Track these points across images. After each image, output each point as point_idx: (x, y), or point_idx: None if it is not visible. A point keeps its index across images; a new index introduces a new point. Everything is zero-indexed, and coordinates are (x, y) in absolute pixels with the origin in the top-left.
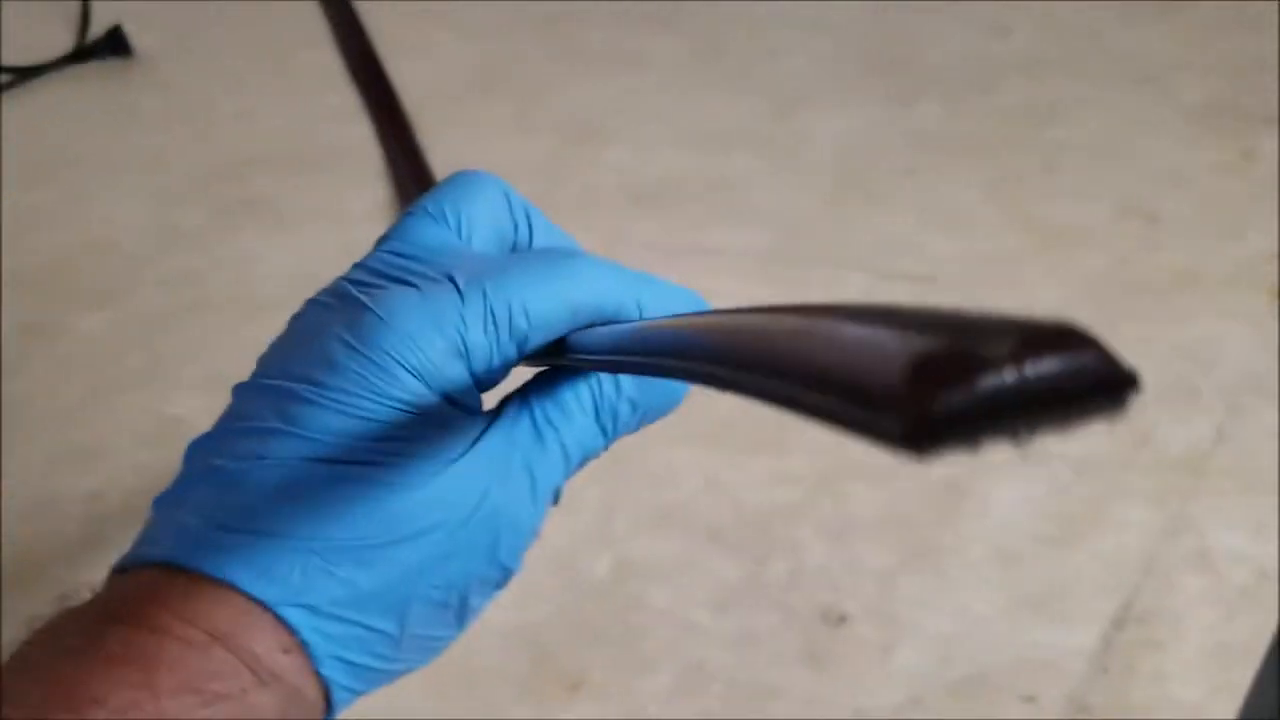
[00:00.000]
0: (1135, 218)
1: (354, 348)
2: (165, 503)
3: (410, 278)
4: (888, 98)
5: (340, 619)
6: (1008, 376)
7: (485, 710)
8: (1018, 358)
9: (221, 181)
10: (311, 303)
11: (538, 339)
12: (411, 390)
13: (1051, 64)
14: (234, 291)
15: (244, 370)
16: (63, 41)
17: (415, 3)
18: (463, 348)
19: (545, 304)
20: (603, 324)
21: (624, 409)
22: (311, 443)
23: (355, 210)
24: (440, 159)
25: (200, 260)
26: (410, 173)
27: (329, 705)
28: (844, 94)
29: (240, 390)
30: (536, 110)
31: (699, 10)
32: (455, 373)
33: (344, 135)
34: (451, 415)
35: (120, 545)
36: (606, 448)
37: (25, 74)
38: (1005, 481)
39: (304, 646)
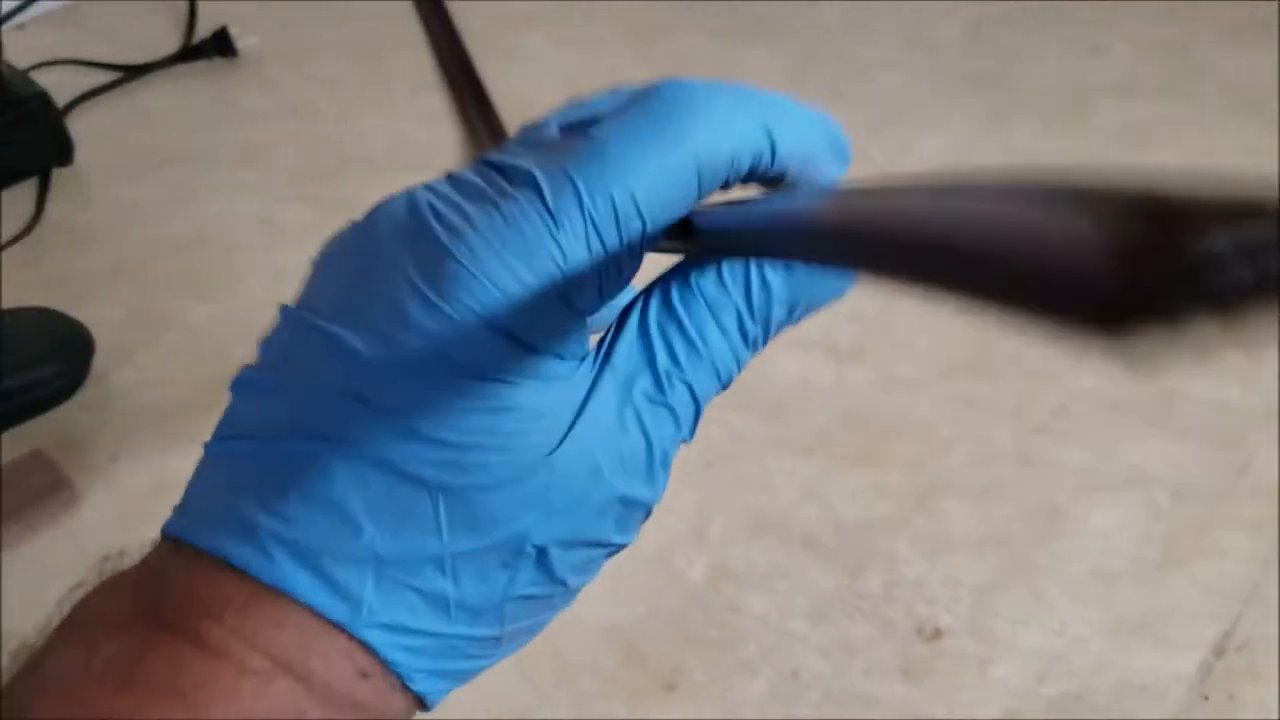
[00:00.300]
0: None
1: (431, 302)
2: (221, 451)
3: (494, 194)
4: (984, 115)
5: (429, 634)
6: (1221, 238)
7: (576, 705)
8: (1227, 219)
9: (322, 179)
10: (382, 212)
11: (658, 230)
12: (502, 353)
13: (1149, 85)
14: None
15: None
16: (170, 42)
17: (511, 4)
18: (563, 285)
19: (660, 183)
20: (735, 180)
21: (778, 311)
22: (381, 420)
23: None
24: None
25: (302, 256)
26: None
27: (423, 705)
28: (941, 111)
29: (290, 321)
30: None
31: (795, 25)
32: (554, 322)
33: (437, 136)
34: (553, 377)
35: None
36: (741, 369)
37: (134, 72)
38: (1103, 505)
39: (387, 665)
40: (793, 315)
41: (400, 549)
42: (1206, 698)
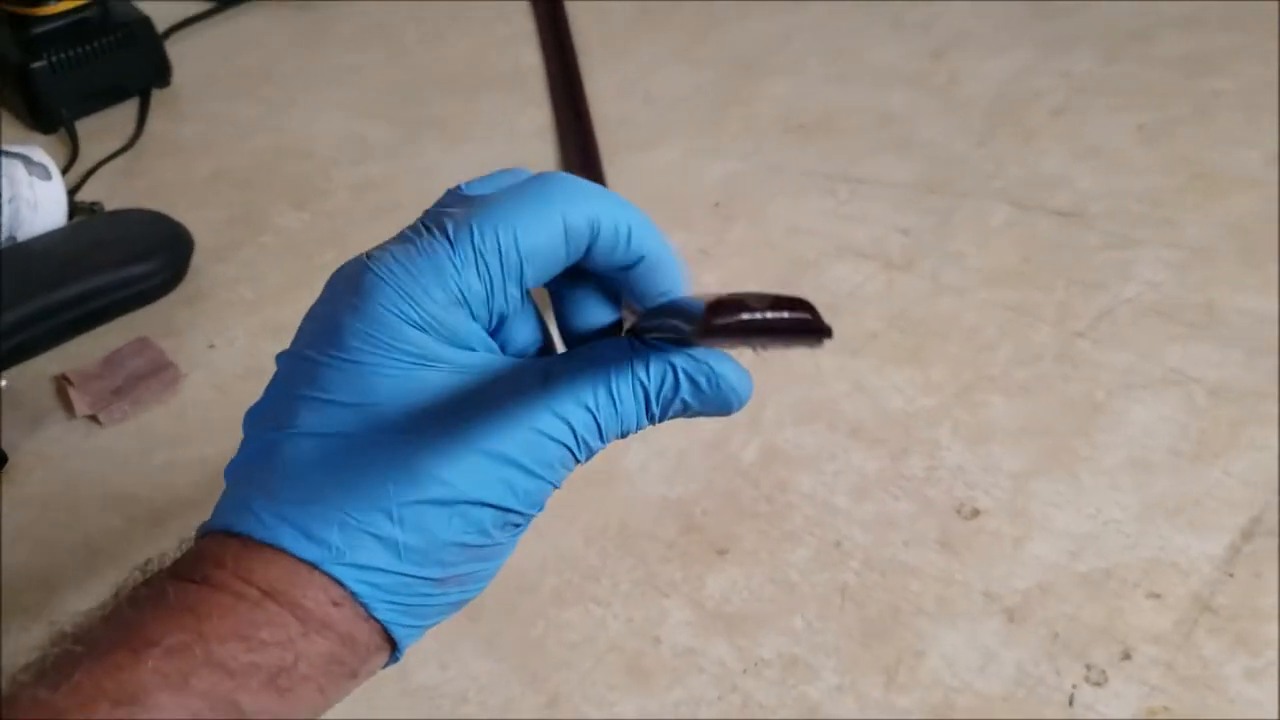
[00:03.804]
0: None
1: (357, 309)
2: (231, 471)
3: (410, 233)
4: (1045, 43)
5: (385, 571)
6: (757, 314)
7: (637, 565)
8: (764, 308)
9: (407, 100)
10: (338, 273)
11: (536, 268)
12: (417, 344)
13: (1212, 18)
14: (416, 198)
15: None
16: None
17: None
18: (460, 295)
19: (533, 228)
20: (598, 243)
21: (676, 405)
22: (339, 407)
23: (525, 128)
24: (609, 86)
25: (387, 169)
26: (569, 102)
27: (393, 641)
28: (1002, 38)
29: (281, 359)
30: (699, 46)
31: None
32: (457, 321)
33: (515, 60)
34: (466, 363)
35: None
36: (637, 430)
37: (227, 2)
38: (1142, 401)
39: (354, 597)
40: (686, 412)
41: (357, 503)
42: (1232, 575)
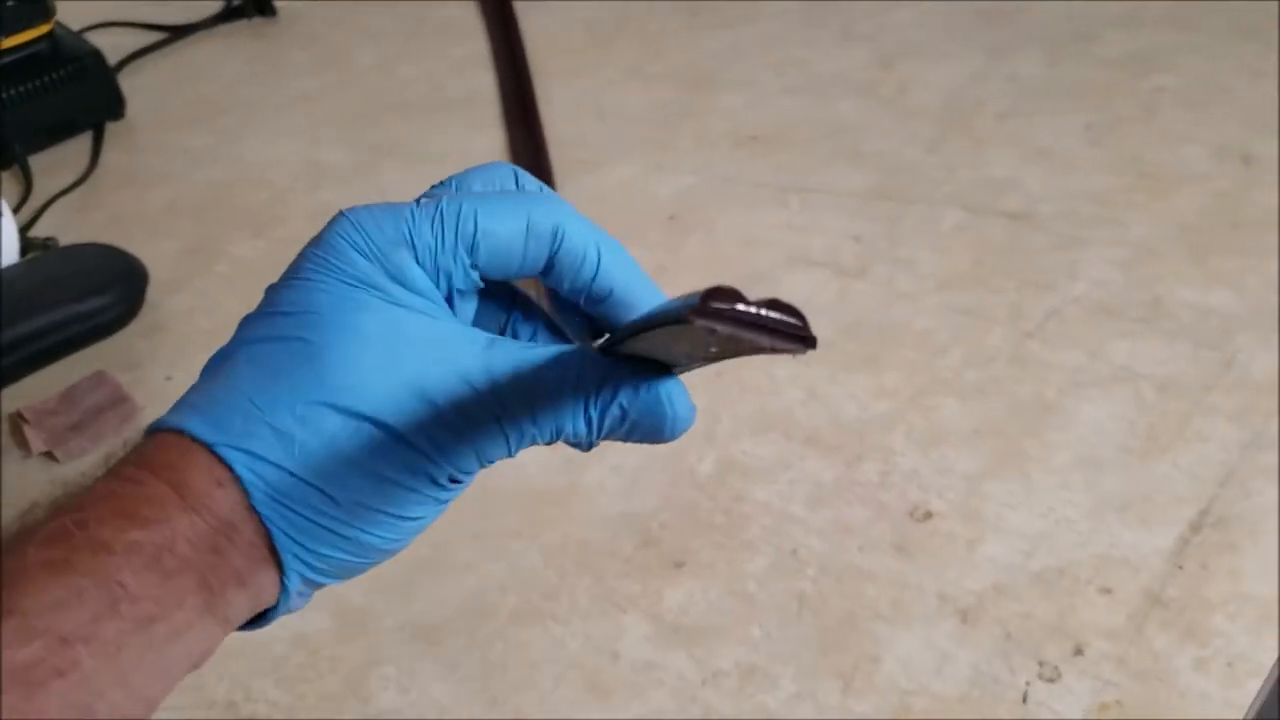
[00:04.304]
0: (1231, 159)
1: (317, 239)
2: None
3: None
4: (990, 48)
5: (275, 465)
6: (752, 307)
7: (596, 582)
8: (759, 305)
9: (361, 125)
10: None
11: (491, 250)
12: (361, 269)
13: (1153, 16)
14: None
15: None
16: (212, 4)
17: None
18: (409, 238)
19: (497, 215)
20: (561, 253)
21: (610, 423)
22: (282, 316)
23: (480, 150)
24: (563, 104)
25: (344, 194)
26: (522, 123)
27: (280, 566)
28: (948, 45)
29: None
30: (650, 62)
31: None
32: (403, 259)
33: (469, 84)
34: (405, 301)
35: None
36: (570, 439)
37: (179, 32)
38: (1092, 400)
39: (239, 482)
40: (616, 434)
41: (265, 396)
42: (1181, 567)
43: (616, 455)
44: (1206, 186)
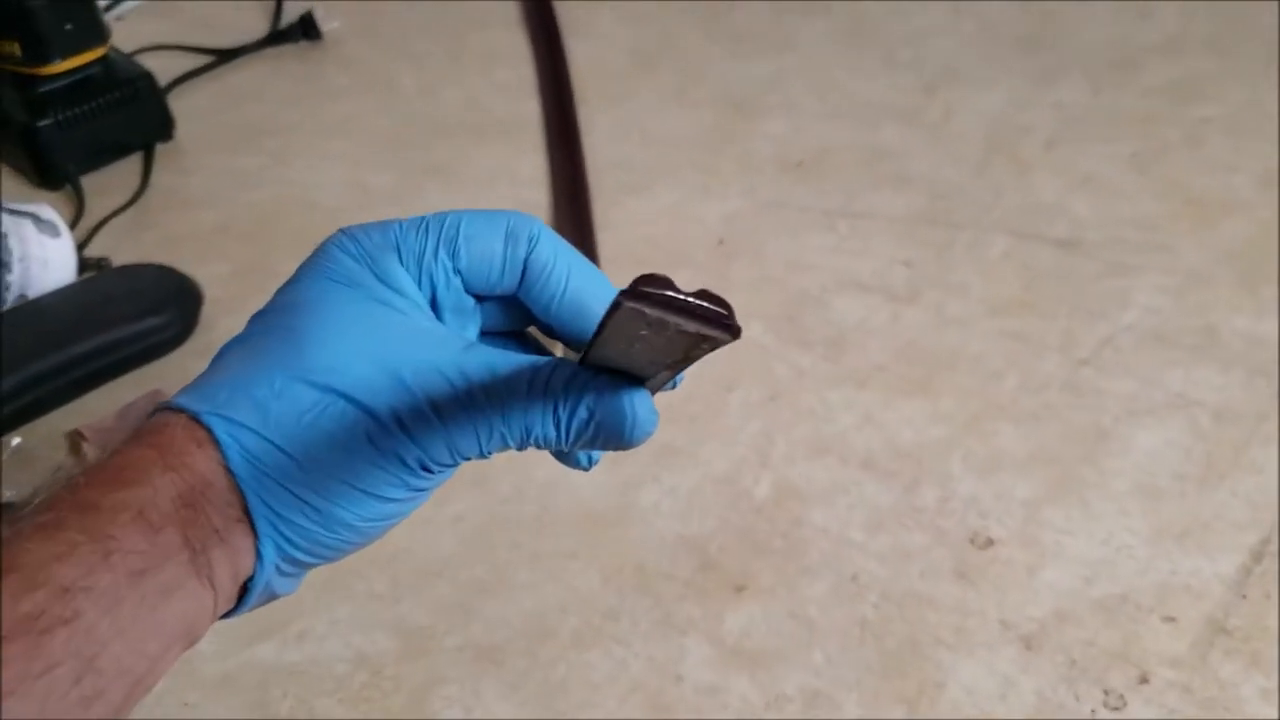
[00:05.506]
0: (1275, 187)
1: (314, 252)
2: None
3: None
4: (1033, 76)
5: (252, 431)
6: (680, 294)
7: (655, 605)
8: (689, 294)
9: (407, 148)
10: None
11: (473, 253)
12: (349, 270)
13: (1194, 44)
14: None
15: None
16: (259, 28)
17: None
18: (396, 244)
19: (478, 222)
20: (532, 258)
21: (576, 426)
22: (270, 312)
23: (524, 173)
24: (607, 129)
25: (390, 215)
26: (564, 147)
27: (252, 525)
28: (990, 72)
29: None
30: (695, 87)
31: None
32: (389, 261)
33: (512, 107)
34: (386, 299)
35: None
36: (542, 445)
37: (226, 56)
38: (1147, 427)
39: (216, 444)
40: (584, 439)
41: (250, 371)
42: (1244, 596)
43: (671, 478)
44: (1252, 215)
